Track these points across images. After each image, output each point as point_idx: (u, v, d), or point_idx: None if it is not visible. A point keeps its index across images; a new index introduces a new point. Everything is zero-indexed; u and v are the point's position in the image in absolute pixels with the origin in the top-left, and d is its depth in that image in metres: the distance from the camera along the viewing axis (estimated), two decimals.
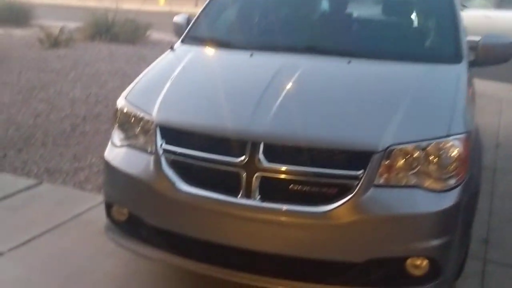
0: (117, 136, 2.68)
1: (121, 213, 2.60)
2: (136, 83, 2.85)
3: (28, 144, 4.84)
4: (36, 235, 3.17)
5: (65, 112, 5.91)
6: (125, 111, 2.65)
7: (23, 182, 3.94)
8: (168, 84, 2.66)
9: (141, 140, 2.53)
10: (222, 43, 3.13)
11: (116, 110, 2.72)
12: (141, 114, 2.56)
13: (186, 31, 3.38)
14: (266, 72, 2.72)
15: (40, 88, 6.93)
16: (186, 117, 2.45)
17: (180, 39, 3.32)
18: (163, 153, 2.38)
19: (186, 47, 3.18)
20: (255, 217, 2.19)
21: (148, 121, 2.51)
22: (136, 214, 2.50)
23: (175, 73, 2.76)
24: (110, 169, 2.59)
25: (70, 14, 17.52)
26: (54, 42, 9.73)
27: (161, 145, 2.39)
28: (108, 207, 2.66)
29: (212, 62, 2.97)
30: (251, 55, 2.90)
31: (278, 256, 2.22)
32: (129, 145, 2.56)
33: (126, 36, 10.47)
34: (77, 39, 10.45)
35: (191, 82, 2.73)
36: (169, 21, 3.85)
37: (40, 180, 4.01)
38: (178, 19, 3.59)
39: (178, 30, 3.52)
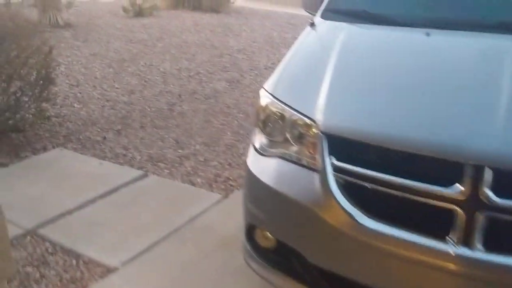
0: (261, 140, 2.06)
1: (267, 239, 2.01)
2: (281, 73, 2.19)
3: (126, 125, 4.38)
4: (151, 244, 2.66)
5: (159, 88, 5.42)
6: (272, 110, 2.02)
7: (128, 172, 3.47)
8: (328, 77, 1.98)
9: (298, 150, 1.89)
10: (380, 18, 2.38)
11: (259, 107, 2.09)
12: (297, 117, 1.91)
13: (325, 1, 2.67)
14: (460, 59, 1.98)
15: (130, 60, 6.49)
16: (366, 124, 1.77)
17: (320, 13, 2.61)
18: (333, 172, 1.73)
19: (331, 24, 2.47)
20: (477, 275, 1.52)
21: (307, 126, 1.87)
22: (289, 245, 1.91)
23: (332, 61, 2.07)
24: (255, 184, 1.98)
25: None
26: (139, 10, 9.29)
27: (331, 161, 1.75)
28: (250, 228, 2.07)
29: (377, 46, 2.23)
30: (428, 34, 2.15)
31: None
32: (280, 155, 1.94)
33: (209, 4, 9.84)
34: (160, 7, 9.98)
35: (359, 74, 2.03)
36: None
37: (145, 170, 3.53)
38: None
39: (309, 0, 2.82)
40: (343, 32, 2.34)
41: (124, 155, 3.79)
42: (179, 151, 3.88)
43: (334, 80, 1.96)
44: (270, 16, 9.88)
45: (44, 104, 3.98)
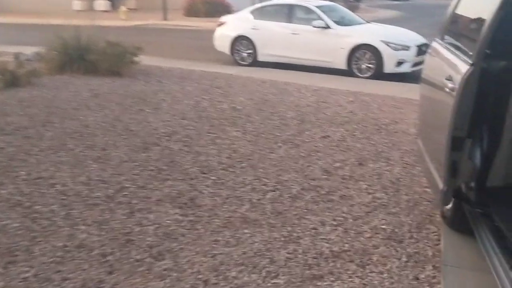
0: None
1: None
2: None
3: None
4: None
5: (62, 237, 2.85)
6: None
7: None
8: None
9: None
10: None
11: None
12: None
13: None
14: None
15: (2, 170, 3.78)
16: None
17: None
18: None
19: None
20: None
21: None
22: None
23: None
24: None
25: (22, 34, 13.73)
26: (12, 78, 6.41)
27: None
28: None
29: None
30: None
31: None
32: None
33: (107, 65, 7.25)
34: (41, 72, 7.15)
35: None
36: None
37: None
38: None
39: None
40: None
41: None
42: None
43: None
44: (188, 77, 7.61)
45: None
